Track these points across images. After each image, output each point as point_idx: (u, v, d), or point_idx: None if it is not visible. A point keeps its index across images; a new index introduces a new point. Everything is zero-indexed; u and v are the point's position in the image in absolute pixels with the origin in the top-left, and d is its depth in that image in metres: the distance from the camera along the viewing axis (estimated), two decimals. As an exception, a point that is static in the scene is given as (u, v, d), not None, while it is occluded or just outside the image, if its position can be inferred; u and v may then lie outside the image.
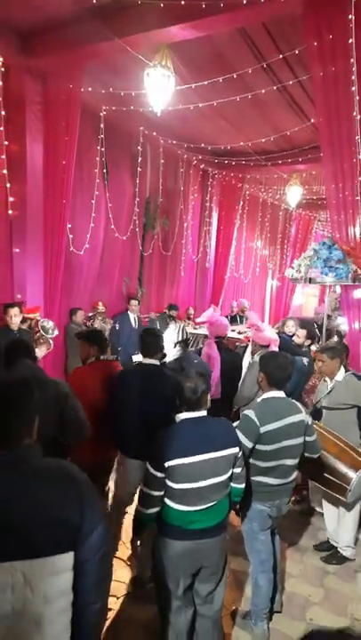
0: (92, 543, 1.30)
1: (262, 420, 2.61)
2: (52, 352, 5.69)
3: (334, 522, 3.62)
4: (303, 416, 2.74)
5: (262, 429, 2.60)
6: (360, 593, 3.25)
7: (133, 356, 6.05)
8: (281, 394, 2.77)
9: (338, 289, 6.20)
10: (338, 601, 3.15)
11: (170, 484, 2.17)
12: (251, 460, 2.65)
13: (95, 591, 1.33)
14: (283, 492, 2.76)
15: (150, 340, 3.32)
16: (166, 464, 2.14)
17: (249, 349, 4.98)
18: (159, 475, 2.17)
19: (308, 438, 2.77)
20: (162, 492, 2.19)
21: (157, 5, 4.18)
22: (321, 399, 3.74)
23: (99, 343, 3.40)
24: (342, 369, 3.67)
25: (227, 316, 8.66)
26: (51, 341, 5.44)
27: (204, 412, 2.30)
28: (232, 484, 2.36)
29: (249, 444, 2.59)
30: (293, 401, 2.84)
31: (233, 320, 8.97)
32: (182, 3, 4.03)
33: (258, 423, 2.60)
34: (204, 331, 4.97)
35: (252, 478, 2.68)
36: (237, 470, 2.35)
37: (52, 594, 1.23)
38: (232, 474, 2.32)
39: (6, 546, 1.19)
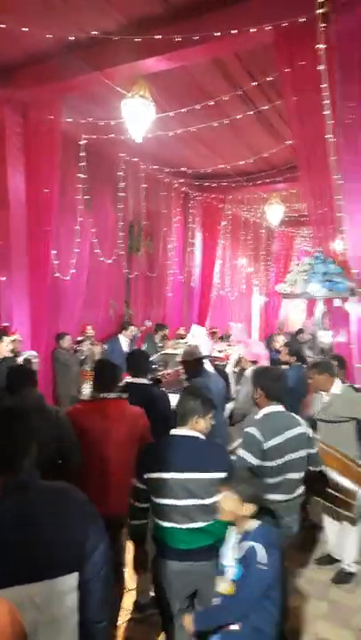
0: (96, 561, 1.31)
1: (265, 435, 2.59)
2: (41, 378, 5.63)
3: (336, 536, 3.60)
4: (304, 428, 2.75)
5: (265, 445, 2.58)
6: (363, 604, 3.24)
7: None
8: (280, 407, 2.76)
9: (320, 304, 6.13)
10: (342, 614, 3.14)
11: (152, 497, 2.22)
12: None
13: (100, 610, 1.34)
14: (291, 508, 2.70)
15: (138, 360, 3.39)
16: (145, 476, 2.21)
17: (229, 367, 5.00)
18: (141, 486, 2.25)
19: (310, 450, 2.77)
20: (146, 505, 2.28)
21: (133, 39, 4.34)
22: (317, 412, 3.76)
23: (99, 378, 2.92)
24: (338, 382, 3.65)
25: (221, 337, 8.85)
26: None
27: (194, 432, 2.28)
28: None
29: (254, 461, 2.56)
30: (292, 414, 2.84)
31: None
32: (157, 37, 4.19)
33: (261, 439, 2.58)
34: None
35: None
36: None
37: (60, 614, 1.23)
38: None
39: (14, 569, 1.20)
